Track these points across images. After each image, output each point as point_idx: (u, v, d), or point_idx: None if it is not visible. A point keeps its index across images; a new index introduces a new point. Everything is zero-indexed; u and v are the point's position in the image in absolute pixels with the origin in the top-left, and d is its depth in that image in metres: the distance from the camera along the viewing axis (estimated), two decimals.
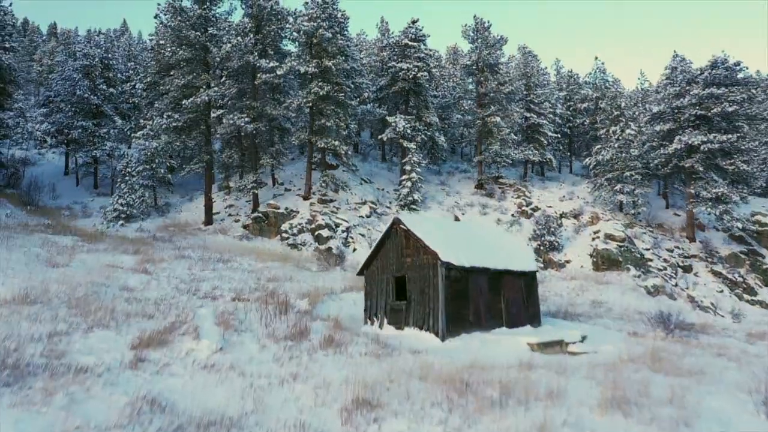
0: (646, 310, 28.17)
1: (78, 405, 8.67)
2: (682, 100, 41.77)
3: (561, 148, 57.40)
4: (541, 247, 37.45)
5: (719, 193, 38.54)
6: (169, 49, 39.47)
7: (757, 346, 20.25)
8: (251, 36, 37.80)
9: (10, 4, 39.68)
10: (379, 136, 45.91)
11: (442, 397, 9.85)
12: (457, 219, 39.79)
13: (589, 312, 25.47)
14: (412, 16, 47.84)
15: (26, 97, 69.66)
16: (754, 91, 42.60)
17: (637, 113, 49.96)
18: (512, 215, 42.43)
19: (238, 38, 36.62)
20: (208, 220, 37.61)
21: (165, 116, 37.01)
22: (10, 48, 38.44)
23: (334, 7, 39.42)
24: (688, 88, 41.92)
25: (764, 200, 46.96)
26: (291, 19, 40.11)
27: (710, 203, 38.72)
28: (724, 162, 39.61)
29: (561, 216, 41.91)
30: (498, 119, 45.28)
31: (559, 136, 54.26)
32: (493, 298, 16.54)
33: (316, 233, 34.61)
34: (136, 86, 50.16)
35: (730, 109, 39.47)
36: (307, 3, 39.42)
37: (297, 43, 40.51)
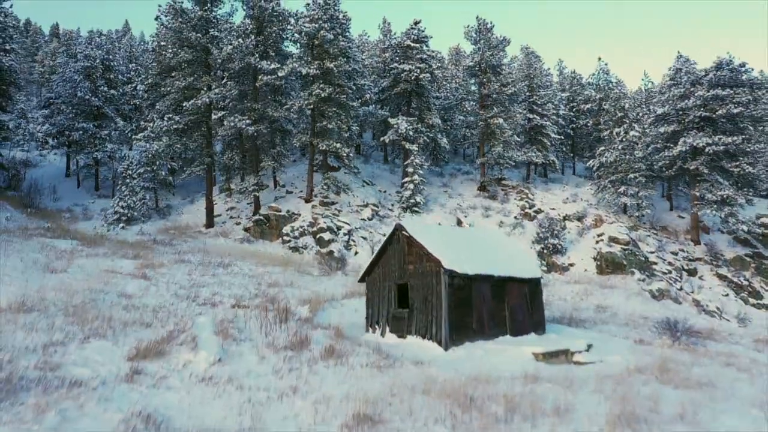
0: (652, 316, 27.87)
1: (70, 423, 8.41)
2: (686, 101, 41.40)
3: (564, 149, 57.03)
4: (545, 250, 37.12)
5: (724, 196, 38.17)
6: (170, 51, 39.22)
7: (766, 353, 19.91)
8: (252, 37, 37.54)
9: (11, 6, 39.46)
10: (381, 138, 45.61)
11: (446, 413, 9.56)
12: (459, 222, 39.48)
13: (594, 317, 25.12)
14: (414, 18, 47.62)
15: (28, 98, 69.60)
16: (759, 92, 42.22)
17: (640, 114, 49.65)
18: (515, 217, 42.11)
19: (239, 40, 36.36)
20: (209, 223, 37.37)
21: (165, 118, 36.78)
22: (11, 50, 38.22)
23: (336, 8, 39.16)
24: (692, 89, 41.55)
25: None
26: (292, 21, 39.84)
27: (715, 206, 38.35)
28: (729, 164, 39.23)
29: (564, 218, 41.58)
30: (501, 121, 44.97)
31: (562, 137, 53.90)
32: (497, 306, 16.24)
33: (318, 236, 34.35)
34: (137, 88, 49.97)
35: (735, 111, 39.10)
36: (308, 4, 39.15)
37: (298, 44, 40.26)
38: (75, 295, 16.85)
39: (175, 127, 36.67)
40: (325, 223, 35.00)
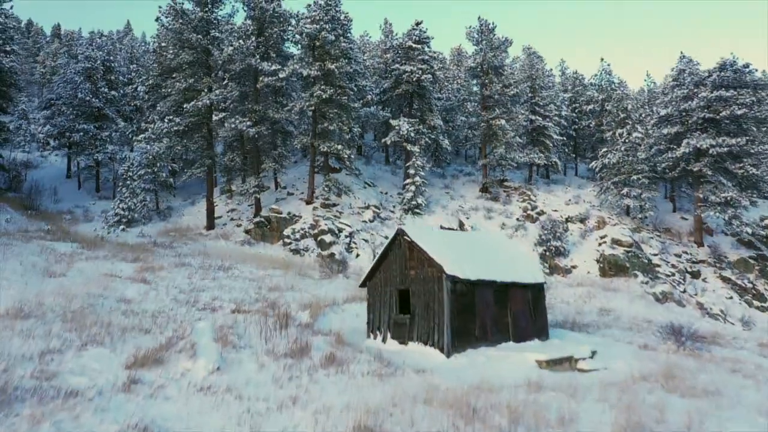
0: (655, 319, 27.66)
1: None
2: (690, 102, 41.15)
3: (566, 150, 56.78)
4: (547, 253, 36.91)
5: (728, 198, 37.91)
6: (170, 52, 39.09)
7: None
8: (253, 39, 37.37)
9: (11, 7, 39.34)
10: (383, 140, 45.42)
11: (448, 424, 9.38)
12: (461, 224, 39.29)
13: (597, 321, 24.93)
14: (416, 18, 47.44)
15: (29, 99, 69.60)
16: (763, 93, 41.94)
17: (643, 115, 49.40)
18: (517, 219, 41.90)
19: (240, 41, 36.20)
20: (210, 225, 37.23)
21: (166, 120, 36.62)
22: (11, 51, 38.11)
23: (337, 9, 38.97)
24: (696, 90, 41.29)
25: None
26: (293, 22, 39.69)
27: (719, 208, 38.10)
28: (733, 166, 38.96)
29: (567, 220, 41.36)
30: (503, 122, 44.77)
31: (564, 138, 53.65)
32: (500, 312, 16.05)
33: (319, 239, 34.17)
34: (138, 89, 49.83)
35: (739, 112, 38.83)
36: (309, 5, 38.98)
37: (299, 45, 40.06)
38: (74, 300, 16.69)
39: (175, 128, 36.53)
40: (326, 225, 34.83)
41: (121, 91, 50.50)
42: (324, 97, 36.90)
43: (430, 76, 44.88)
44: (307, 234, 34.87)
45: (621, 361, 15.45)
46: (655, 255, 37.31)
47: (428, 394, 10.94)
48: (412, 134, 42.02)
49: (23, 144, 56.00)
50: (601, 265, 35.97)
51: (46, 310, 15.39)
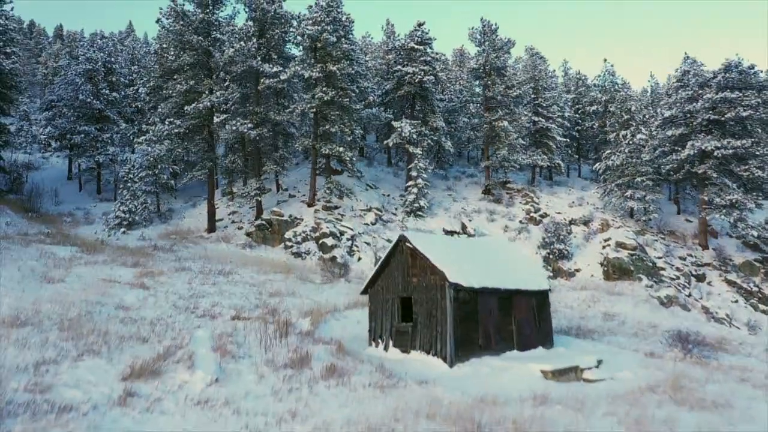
0: (661, 324, 27.33)
1: None
2: (694, 104, 40.78)
3: (569, 151, 56.40)
4: (551, 256, 36.59)
5: (733, 200, 37.54)
6: (171, 54, 38.89)
7: None
8: (254, 40, 37.12)
9: (12, 9, 39.18)
10: (385, 141, 45.15)
11: None
12: (464, 227, 38.97)
13: (602, 326, 24.61)
14: (418, 19, 47.12)
15: (31, 99, 69.46)
16: None
17: (647, 116, 49.01)
18: (520, 222, 41.58)
19: (241, 43, 35.94)
20: (211, 228, 37.00)
21: (167, 122, 36.38)
22: (12, 53, 37.94)
23: (339, 10, 38.68)
24: (700, 91, 40.92)
25: None
26: (295, 23, 39.42)
27: (724, 210, 37.73)
28: (738, 168, 38.59)
29: (570, 223, 41.02)
30: (506, 123, 44.44)
31: (567, 140, 53.28)
32: (504, 320, 15.76)
33: (321, 242, 33.91)
34: (140, 90, 49.62)
35: (744, 114, 38.48)
36: (311, 7, 38.71)
37: (301, 47, 39.80)
38: (71, 307, 16.47)
39: (176, 131, 36.29)
40: (327, 228, 34.56)
41: (123, 93, 50.32)
42: (325, 99, 36.65)
43: (432, 77, 44.57)
44: (309, 237, 34.61)
45: (627, 371, 15.16)
46: (660, 258, 36.97)
47: (431, 408, 10.68)
48: (415, 136, 41.72)
49: (25, 145, 55.82)
50: (605, 269, 35.64)
51: (43, 318, 15.17)
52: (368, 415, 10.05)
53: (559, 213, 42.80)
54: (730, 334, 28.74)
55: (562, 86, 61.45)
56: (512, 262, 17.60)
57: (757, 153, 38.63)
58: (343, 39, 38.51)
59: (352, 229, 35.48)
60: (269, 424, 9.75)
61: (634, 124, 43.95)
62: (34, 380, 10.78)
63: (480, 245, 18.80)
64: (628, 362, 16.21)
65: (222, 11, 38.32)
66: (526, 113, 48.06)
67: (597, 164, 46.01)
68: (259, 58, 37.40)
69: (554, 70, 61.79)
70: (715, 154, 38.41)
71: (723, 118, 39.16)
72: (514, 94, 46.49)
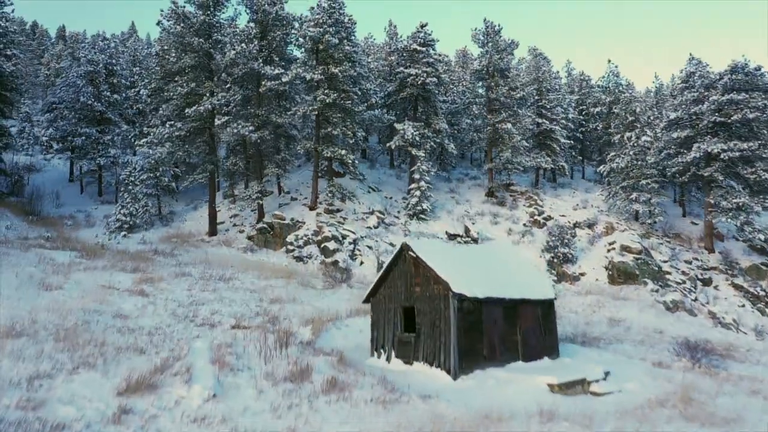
0: (667, 330, 26.99)
1: None
2: (700, 106, 40.33)
3: (573, 153, 55.95)
4: (555, 260, 36.22)
5: (740, 203, 37.09)
6: (173, 55, 38.67)
7: None
8: (256, 42, 36.83)
9: (12, 11, 39.00)
10: (387, 144, 44.83)
11: None
12: (467, 230, 38.63)
13: (607, 333, 24.25)
14: (421, 21, 46.69)
15: (33, 101, 69.46)
16: None
17: (651, 118, 48.57)
18: (524, 225, 41.20)
19: (243, 45, 35.65)
20: (212, 231, 36.73)
21: (167, 125, 36.12)
22: (12, 55, 37.74)
23: (341, 12, 38.37)
24: (706, 93, 40.47)
25: None
26: (297, 25, 39.08)
27: (731, 213, 37.28)
28: (745, 170, 38.13)
29: (574, 226, 40.63)
30: (509, 126, 44.07)
31: (571, 141, 52.83)
32: (509, 330, 15.43)
33: (323, 245, 33.60)
34: (141, 92, 49.40)
35: (751, 116, 38.02)
36: (313, 8, 38.41)
37: (303, 49, 39.49)
38: (68, 316, 16.20)
39: (177, 133, 36.03)
40: (329, 231, 34.25)
41: (124, 95, 50.08)
42: (327, 101, 36.35)
43: (435, 79, 44.22)
44: (311, 240, 34.31)
45: (635, 383, 14.83)
46: (665, 262, 36.55)
47: (435, 426, 10.37)
48: (417, 138, 41.40)
49: (26, 147, 55.71)
50: (610, 273, 35.24)
51: (39, 328, 14.90)
52: None
53: (563, 216, 42.42)
54: (737, 340, 28.35)
55: (565, 87, 60.98)
56: (517, 270, 17.26)
57: (764, 155, 38.14)
58: (345, 41, 38.21)
59: (354, 233, 35.16)
60: None
61: (638, 125, 43.54)
62: (27, 396, 10.52)
63: (484, 252, 18.47)
64: (635, 373, 15.87)
65: (223, 13, 38.03)
66: (529, 115, 47.66)
67: (601, 166, 45.61)
68: (260, 60, 37.11)
69: (558, 71, 61.28)
70: (722, 156, 37.96)
71: (729, 120, 38.70)
72: (518, 95, 46.12)
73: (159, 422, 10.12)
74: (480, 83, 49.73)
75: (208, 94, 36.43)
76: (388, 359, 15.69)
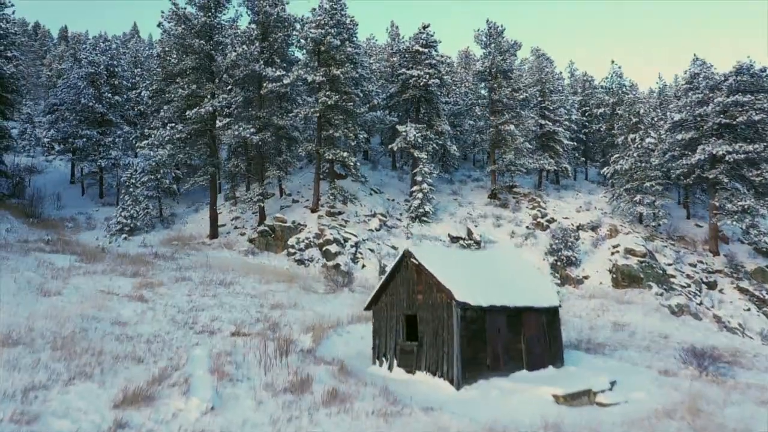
0: (672, 335, 26.69)
1: None
2: (705, 107, 39.99)
3: (576, 154, 55.60)
4: (558, 263, 35.95)
5: (745, 206, 36.77)
6: (174, 57, 38.48)
7: None
8: (257, 44, 36.62)
9: (13, 13, 38.86)
10: (390, 146, 44.57)
11: None
12: (470, 233, 38.35)
13: (612, 338, 23.96)
14: (423, 22, 46.47)
15: (35, 102, 69.33)
16: None
17: (655, 119, 48.21)
18: (527, 227, 40.90)
19: (244, 46, 35.42)
20: (214, 234, 36.54)
21: (168, 127, 35.92)
22: (13, 57, 37.59)
23: (343, 13, 38.13)
24: (711, 95, 40.15)
25: None
26: (298, 26, 38.83)
27: (736, 216, 36.96)
28: (750, 172, 37.81)
29: (578, 228, 40.34)
30: (512, 127, 43.77)
31: (574, 143, 52.50)
32: (513, 338, 15.17)
33: (324, 249, 33.38)
34: (142, 94, 49.24)
35: (756, 118, 37.71)
36: (314, 9, 38.19)
37: (304, 50, 39.27)
38: (66, 323, 15.98)
39: (178, 136, 35.82)
40: (331, 234, 34.02)
41: (125, 96, 49.94)
42: (329, 103, 36.12)
43: (437, 80, 43.94)
44: (312, 244, 34.08)
45: (642, 392, 14.56)
46: (670, 265, 36.25)
47: None
48: (420, 140, 41.13)
49: (28, 148, 55.63)
50: (614, 276, 34.95)
51: (36, 336, 14.69)
52: None
53: (566, 218, 42.12)
54: (743, 344, 28.02)
55: (568, 88, 60.63)
56: (521, 276, 17.01)
57: None
58: (347, 42, 37.96)
59: (356, 236, 34.94)
60: None
61: (642, 127, 43.23)
62: (21, 409, 10.29)
63: (487, 258, 18.21)
64: (641, 382, 15.60)
65: (224, 14, 37.84)
66: (532, 116, 47.38)
67: (605, 168, 45.32)
68: (261, 62, 36.88)
69: (561, 72, 60.93)
70: (727, 158, 37.65)
71: (734, 122, 38.38)
72: (521, 97, 45.83)
73: None
74: (483, 84, 49.44)
75: (209, 96, 36.23)
76: (390, 368, 15.45)
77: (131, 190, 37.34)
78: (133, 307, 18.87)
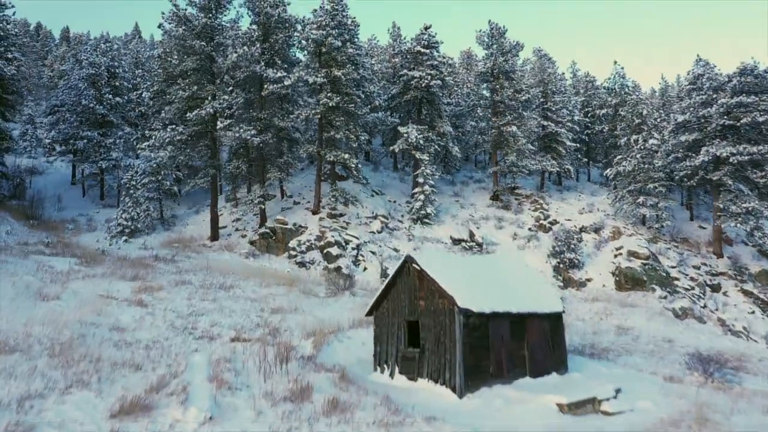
0: (677, 339, 26.44)
1: None
2: (708, 109, 39.72)
3: (579, 155, 55.33)
4: (561, 265, 35.72)
5: (749, 208, 36.49)
6: (175, 58, 38.33)
7: None
8: (258, 45, 36.46)
9: (14, 14, 38.74)
10: (391, 147, 44.36)
11: None
12: (472, 236, 38.13)
13: (616, 343, 23.72)
14: (425, 23, 46.23)
15: (37, 103, 69.27)
16: None
17: (658, 120, 47.95)
18: (529, 229, 40.66)
19: (245, 47, 35.27)
20: (214, 236, 36.37)
21: (169, 129, 35.75)
22: (13, 58, 37.47)
23: (344, 14, 37.93)
24: (715, 96, 39.87)
25: None
26: (299, 27, 38.67)
27: (740, 218, 36.69)
28: (755, 174, 37.55)
29: (580, 230, 40.09)
30: (514, 128, 43.53)
31: (577, 144, 52.21)
32: (516, 345, 14.96)
33: (325, 251, 33.19)
34: (143, 95, 49.09)
35: (760, 119, 37.45)
36: (315, 10, 38.01)
37: (305, 51, 39.09)
38: (64, 329, 15.79)
39: (178, 137, 35.65)
40: (332, 237, 33.84)
41: (126, 97, 49.78)
42: (330, 104, 35.94)
43: (439, 81, 43.72)
44: (313, 246, 33.90)
45: (647, 401, 14.31)
46: (673, 267, 35.99)
47: None
48: (421, 141, 40.92)
49: (30, 149, 55.53)
50: (617, 279, 34.70)
51: (33, 342, 14.52)
52: None
53: (569, 220, 41.87)
54: (748, 348, 27.75)
55: (570, 88, 60.36)
56: (524, 282, 16.79)
57: None
58: (348, 43, 37.78)
59: (357, 238, 34.74)
60: None
61: (645, 128, 42.96)
62: (16, 419, 10.12)
63: (490, 263, 17.98)
64: (647, 389, 15.36)
65: (225, 15, 37.66)
66: (534, 117, 47.14)
67: (608, 169, 45.04)
68: (262, 63, 36.72)
69: (563, 73, 60.65)
70: (731, 160, 37.36)
71: (738, 124, 38.11)
72: (523, 98, 45.59)
73: None
74: (485, 85, 49.17)
75: (209, 98, 36.07)
76: (392, 375, 15.25)
77: (132, 191, 37.19)
78: (132, 312, 18.69)
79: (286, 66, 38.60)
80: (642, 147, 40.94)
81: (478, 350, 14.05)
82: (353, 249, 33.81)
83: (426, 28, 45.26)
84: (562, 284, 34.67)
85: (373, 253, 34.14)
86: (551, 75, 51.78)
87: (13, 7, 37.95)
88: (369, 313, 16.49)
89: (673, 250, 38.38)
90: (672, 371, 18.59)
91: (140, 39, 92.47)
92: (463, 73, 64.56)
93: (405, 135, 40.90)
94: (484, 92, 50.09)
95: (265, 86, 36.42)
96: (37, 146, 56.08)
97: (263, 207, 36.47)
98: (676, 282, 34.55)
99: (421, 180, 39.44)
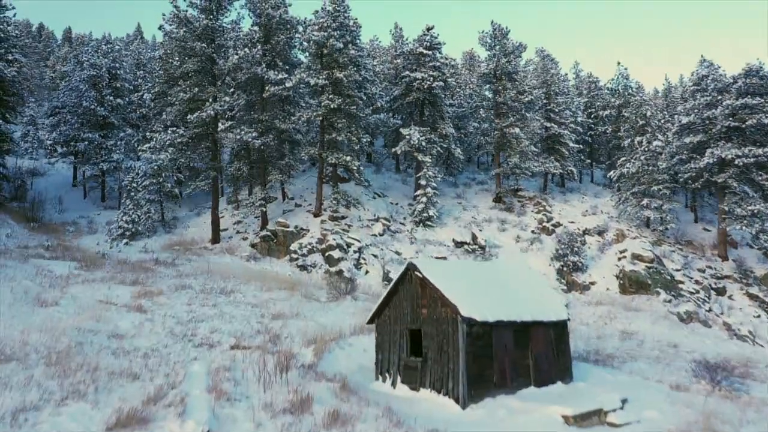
0: (682, 343, 26.13)
1: None
2: (713, 110, 39.38)
3: (582, 157, 54.99)
4: (564, 268, 35.43)
5: (755, 210, 36.15)
6: (176, 60, 38.12)
7: None
8: (259, 47, 36.23)
9: (14, 15, 38.58)
10: (393, 149, 44.11)
11: None
12: (475, 238, 37.85)
13: (620, 348, 23.42)
14: (427, 24, 45.97)
15: (39, 103, 69.13)
16: None
17: (662, 121, 47.61)
18: (532, 232, 40.38)
19: (246, 49, 35.05)
20: (215, 238, 36.17)
21: (170, 131, 35.55)
22: (14, 60, 37.29)
23: (346, 15, 37.67)
24: (719, 97, 39.52)
25: None
26: (301, 29, 38.45)
27: (745, 221, 36.35)
28: (760, 176, 37.18)
29: (584, 233, 39.77)
30: (517, 130, 43.25)
31: (580, 145, 51.88)
32: (520, 354, 14.70)
33: (327, 254, 32.96)
34: (144, 96, 48.91)
35: (766, 121, 37.09)
36: (317, 12, 37.77)
37: (307, 53, 38.89)
38: (62, 337, 15.59)
39: (179, 139, 35.45)
40: (334, 240, 33.60)
41: (127, 99, 49.61)
42: (332, 106, 35.71)
43: (441, 83, 43.45)
44: (315, 249, 33.66)
45: (654, 411, 14.06)
46: (678, 270, 35.65)
47: None
48: (424, 143, 40.67)
49: (31, 151, 55.41)
50: (621, 282, 34.39)
51: (30, 351, 14.32)
52: None
53: (572, 222, 41.54)
54: (754, 353, 27.42)
55: (573, 89, 60.03)
56: (528, 289, 16.52)
57: None
58: (350, 45, 37.53)
59: (359, 241, 34.50)
60: None
61: (649, 130, 42.61)
62: None
63: (493, 270, 17.71)
64: (653, 399, 15.09)
65: (226, 17, 37.42)
66: (537, 119, 46.84)
67: (611, 171, 44.72)
68: (264, 65, 36.50)
69: (566, 74, 60.28)
70: (736, 162, 37.03)
71: (743, 125, 37.77)
72: (526, 99, 45.29)
73: None
74: (487, 86, 48.90)
75: (210, 100, 35.87)
76: (394, 384, 15.01)
77: (133, 194, 37.00)
78: (131, 319, 18.48)
79: (287, 68, 38.39)
80: (646, 148, 40.62)
81: (481, 359, 13.80)
82: (355, 252, 33.57)
83: (428, 29, 45.00)
84: (565, 287, 34.39)
85: (375, 256, 33.90)
86: (554, 76, 51.45)
87: (13, 8, 37.76)
88: (371, 321, 16.25)
89: (678, 253, 38.05)
90: (678, 379, 18.30)
91: (142, 39, 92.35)
92: (465, 74, 64.31)
93: (407, 137, 40.65)
94: (487, 93, 49.82)
95: (267, 88, 36.20)
96: (39, 147, 55.95)
97: (264, 209, 36.26)
98: (680, 285, 34.23)
99: (423, 182, 39.19)
